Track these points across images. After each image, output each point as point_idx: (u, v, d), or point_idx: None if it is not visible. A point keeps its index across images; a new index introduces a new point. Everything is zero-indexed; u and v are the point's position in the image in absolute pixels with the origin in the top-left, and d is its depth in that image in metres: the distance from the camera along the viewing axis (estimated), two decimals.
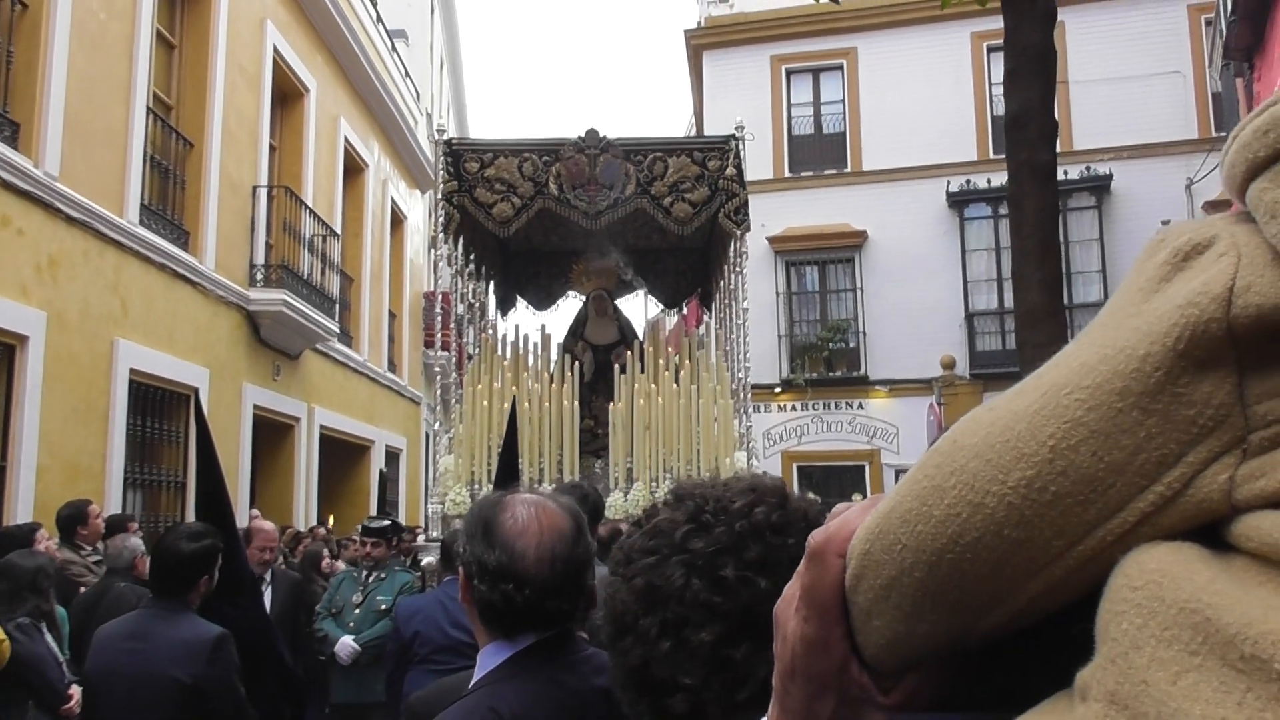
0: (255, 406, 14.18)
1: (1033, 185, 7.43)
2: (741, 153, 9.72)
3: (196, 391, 7.39)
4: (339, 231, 17.31)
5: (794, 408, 21.07)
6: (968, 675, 0.84)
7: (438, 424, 10.14)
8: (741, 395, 9.92)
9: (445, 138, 9.97)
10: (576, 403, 9.44)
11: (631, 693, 1.33)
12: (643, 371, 9.63)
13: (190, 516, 11.23)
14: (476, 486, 9.04)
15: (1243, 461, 0.65)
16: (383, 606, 7.94)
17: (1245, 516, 0.65)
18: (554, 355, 10.66)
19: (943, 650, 0.80)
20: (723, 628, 1.24)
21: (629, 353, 9.95)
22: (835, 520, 0.86)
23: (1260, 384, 0.65)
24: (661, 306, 13.42)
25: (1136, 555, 0.67)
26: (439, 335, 11.23)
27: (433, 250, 23.91)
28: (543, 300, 12.13)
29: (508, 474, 6.06)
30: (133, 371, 11.02)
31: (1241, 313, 0.64)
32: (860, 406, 20.95)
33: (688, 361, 9.91)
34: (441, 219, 9.68)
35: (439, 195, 9.73)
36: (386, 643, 7.05)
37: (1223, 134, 17.69)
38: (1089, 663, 0.68)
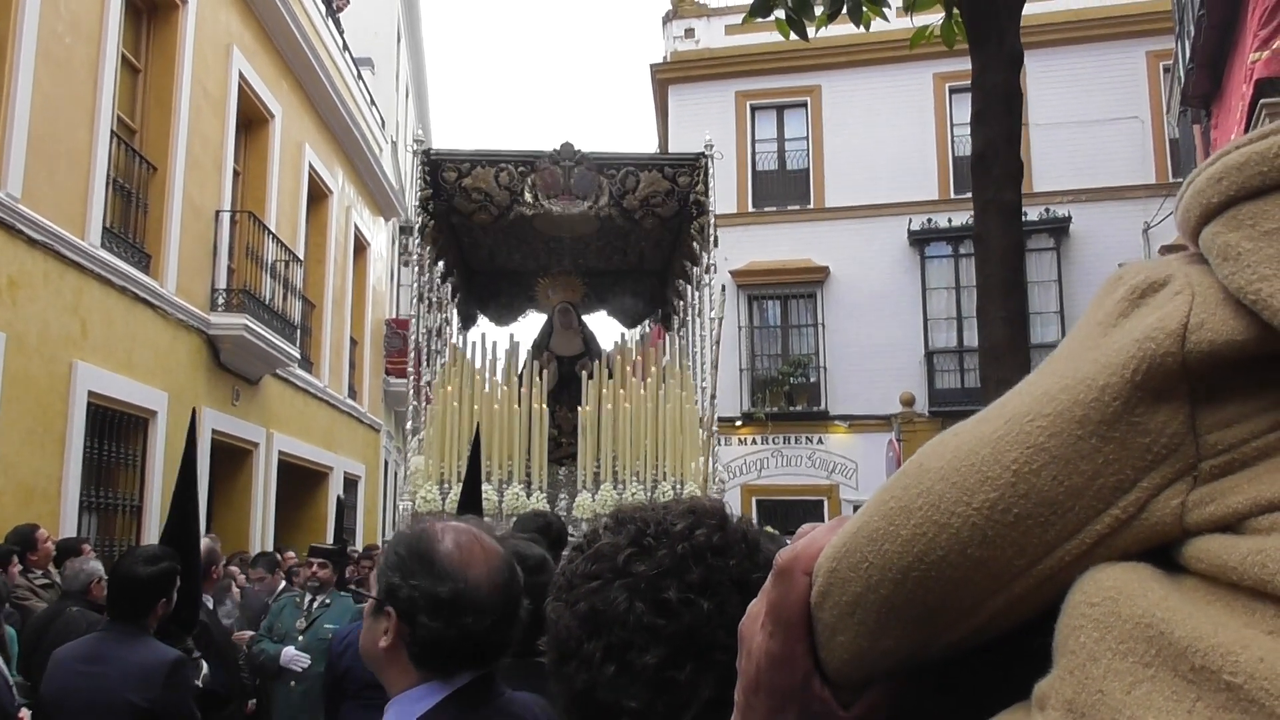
0: (214, 431, 14.07)
1: (998, 223, 7.51)
2: (710, 170, 9.86)
3: (195, 411, 7.39)
4: (301, 257, 17.23)
5: (754, 441, 21.13)
6: (926, 690, 0.87)
7: (408, 452, 10.12)
8: (704, 404, 10.01)
9: (423, 148, 10.07)
10: (544, 406, 9.52)
11: (576, 718, 1.32)
12: (610, 378, 9.72)
13: (147, 540, 11.15)
14: (446, 485, 9.10)
15: (1194, 488, 0.69)
16: (330, 636, 7.18)
17: (1196, 539, 0.69)
18: (521, 362, 10.75)
19: (904, 664, 0.82)
20: (666, 650, 1.24)
21: (595, 361, 10.06)
22: (802, 540, 0.89)
23: (1211, 415, 0.69)
24: (624, 331, 13.53)
25: (1094, 574, 0.71)
26: (410, 363, 11.25)
27: (404, 257, 23.87)
28: (504, 316, 12.26)
29: (471, 503, 6.05)
30: (91, 394, 10.92)
31: (1195, 348, 0.68)
32: (820, 441, 21.03)
33: (653, 368, 10.01)
34: (418, 227, 9.78)
35: (416, 202, 9.84)
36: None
37: (1179, 179, 17.93)
38: (1045, 676, 0.72)
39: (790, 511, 20.52)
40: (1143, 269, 0.76)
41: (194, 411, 7.16)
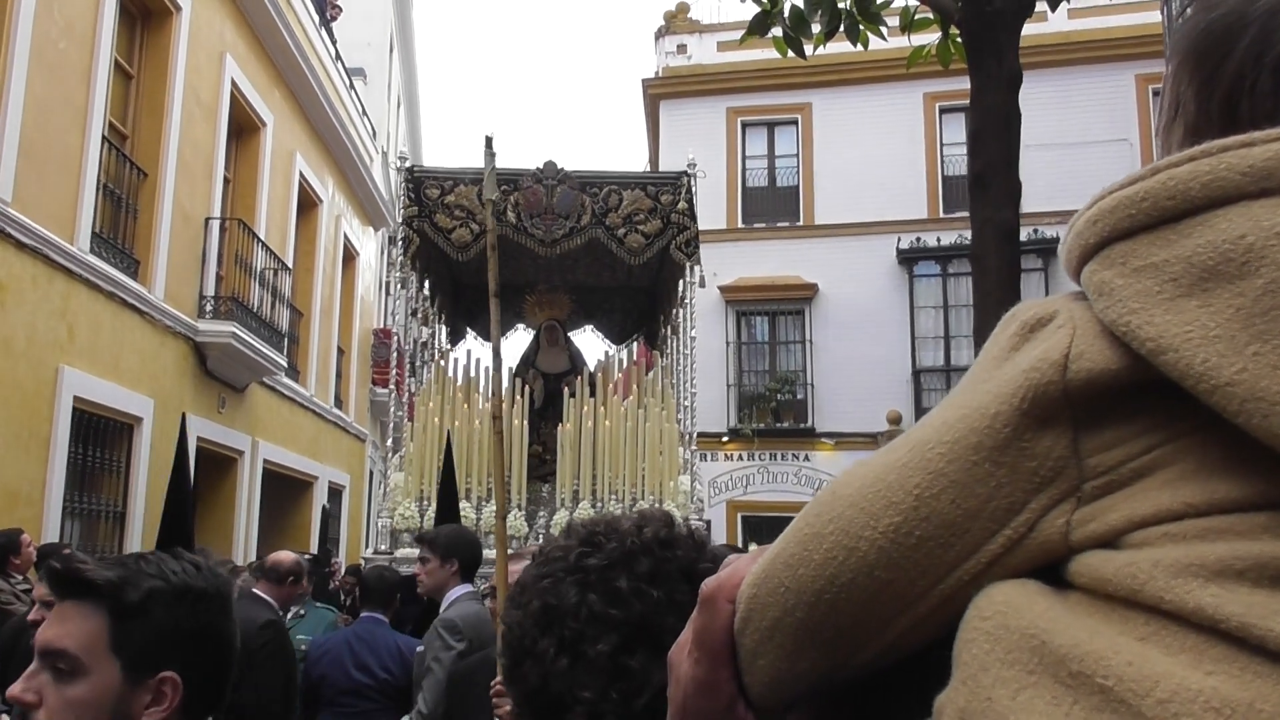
0: (199, 438, 14.03)
1: (995, 243, 7.51)
2: (693, 188, 9.93)
3: (184, 416, 7.37)
4: (290, 266, 17.24)
5: (740, 457, 21.12)
6: (844, 712, 0.91)
7: (389, 468, 10.14)
8: (688, 423, 10.06)
9: (407, 165, 10.11)
10: (526, 424, 9.54)
11: (528, 717, 1.33)
12: (592, 395, 9.76)
13: (130, 547, 11.14)
14: (426, 502, 9.12)
15: (1078, 507, 0.75)
16: (303, 647, 6.90)
17: (1079, 556, 0.75)
18: (505, 380, 10.77)
19: (821, 686, 0.87)
20: (619, 638, 1.26)
21: (579, 378, 10.09)
22: (726, 569, 0.93)
23: (1092, 439, 0.75)
24: (609, 346, 13.57)
25: (988, 591, 0.76)
26: (394, 372, 11.31)
27: (391, 271, 23.86)
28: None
29: (447, 510, 6.11)
30: (76, 399, 10.90)
31: (1075, 376, 0.74)
32: (806, 458, 21.02)
33: (635, 387, 10.06)
34: (402, 243, 9.82)
35: (400, 219, 9.89)
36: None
37: None
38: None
39: (776, 528, 20.16)
40: (1033, 306, 0.83)
41: (184, 417, 7.14)
